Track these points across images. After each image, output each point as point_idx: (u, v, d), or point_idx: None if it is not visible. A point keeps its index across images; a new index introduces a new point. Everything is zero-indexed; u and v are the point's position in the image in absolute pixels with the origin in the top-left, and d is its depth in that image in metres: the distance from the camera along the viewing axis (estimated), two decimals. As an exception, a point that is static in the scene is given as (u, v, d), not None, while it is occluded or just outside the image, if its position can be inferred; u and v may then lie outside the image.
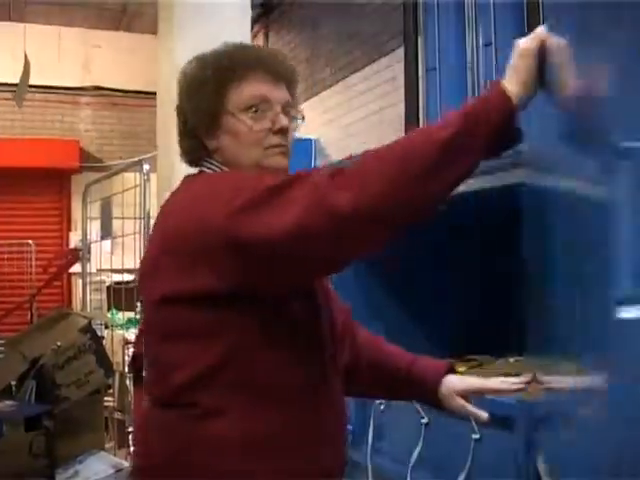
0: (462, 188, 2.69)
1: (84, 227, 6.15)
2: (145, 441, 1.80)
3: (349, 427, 3.11)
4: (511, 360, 3.13)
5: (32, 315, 8.68)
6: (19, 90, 5.14)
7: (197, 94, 1.78)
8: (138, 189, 4.35)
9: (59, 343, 4.25)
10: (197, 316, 1.64)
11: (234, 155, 1.79)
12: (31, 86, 7.26)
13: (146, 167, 3.97)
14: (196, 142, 1.81)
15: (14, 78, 6.73)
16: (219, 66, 1.77)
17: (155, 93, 5.80)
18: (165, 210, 1.78)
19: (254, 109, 1.78)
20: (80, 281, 10.05)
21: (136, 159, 4.31)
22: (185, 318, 1.65)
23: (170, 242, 1.68)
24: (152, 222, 3.20)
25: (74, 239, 9.16)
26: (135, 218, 4.65)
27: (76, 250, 5.68)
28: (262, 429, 1.64)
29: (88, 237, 6.17)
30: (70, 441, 4.30)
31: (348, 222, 1.50)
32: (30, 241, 9.61)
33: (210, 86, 1.76)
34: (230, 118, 1.77)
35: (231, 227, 1.55)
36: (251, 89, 1.78)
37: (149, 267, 1.76)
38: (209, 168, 1.81)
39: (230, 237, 1.55)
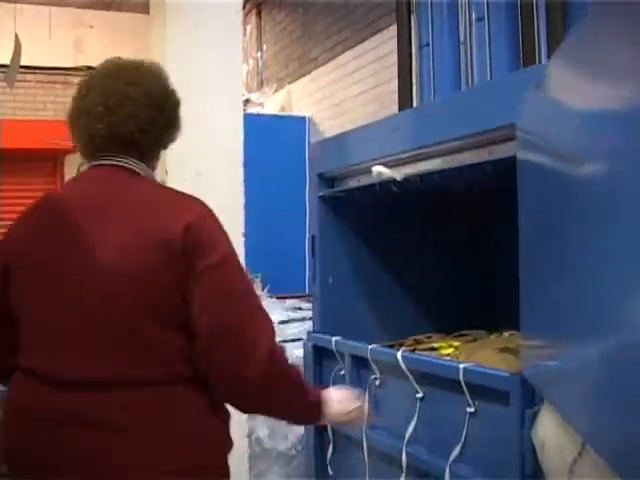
0: (455, 162, 2.73)
1: None
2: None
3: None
4: (505, 334, 3.14)
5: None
6: (10, 71, 5.09)
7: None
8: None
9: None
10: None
11: (153, 167, 2.17)
12: (22, 67, 7.22)
13: None
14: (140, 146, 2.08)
15: (5, 59, 6.71)
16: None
17: (147, 72, 5.79)
18: (148, 199, 2.02)
19: None
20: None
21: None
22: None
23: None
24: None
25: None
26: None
27: None
28: None
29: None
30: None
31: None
32: (23, 223, 9.58)
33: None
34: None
35: None
36: None
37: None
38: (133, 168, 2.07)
39: None
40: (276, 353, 1.94)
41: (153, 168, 2.18)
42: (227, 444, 2.05)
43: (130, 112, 2.02)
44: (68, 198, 2.08)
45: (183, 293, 1.88)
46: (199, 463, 1.93)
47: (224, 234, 2.02)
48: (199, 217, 1.98)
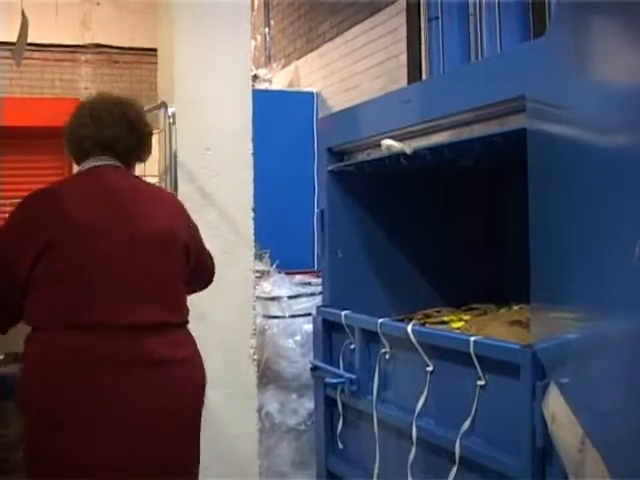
0: (465, 135, 2.71)
1: None
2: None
3: (354, 376, 3.14)
4: (515, 308, 3.13)
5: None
6: (17, 49, 5.06)
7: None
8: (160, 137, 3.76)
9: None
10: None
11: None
12: (29, 44, 7.18)
13: (171, 109, 3.54)
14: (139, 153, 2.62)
15: (12, 37, 6.67)
16: None
17: (155, 50, 5.77)
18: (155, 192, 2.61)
19: None
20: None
21: (156, 104, 3.73)
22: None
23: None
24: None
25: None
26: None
27: None
28: None
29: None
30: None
31: None
32: (32, 200, 9.58)
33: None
34: None
35: None
36: None
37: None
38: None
39: None
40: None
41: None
42: None
43: (110, 123, 2.51)
44: (98, 184, 2.48)
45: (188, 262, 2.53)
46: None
47: None
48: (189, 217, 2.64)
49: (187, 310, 2.53)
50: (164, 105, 3.48)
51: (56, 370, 2.30)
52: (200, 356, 2.49)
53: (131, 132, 2.55)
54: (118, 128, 2.53)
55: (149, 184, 2.65)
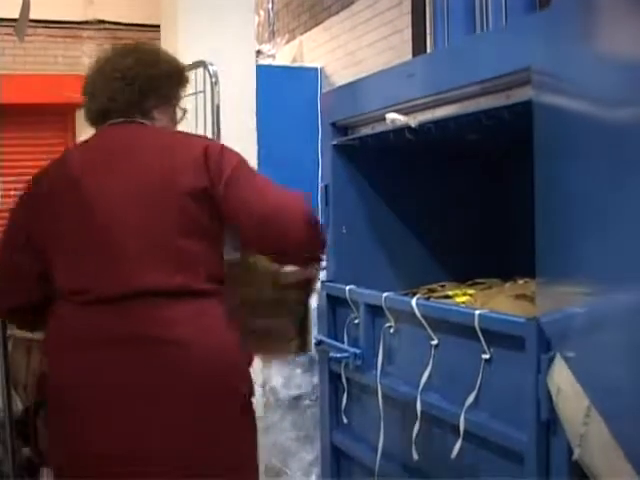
0: (470, 108, 2.69)
1: None
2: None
3: (358, 351, 3.14)
4: (520, 282, 3.13)
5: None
6: (19, 24, 5.04)
7: (173, 81, 2.46)
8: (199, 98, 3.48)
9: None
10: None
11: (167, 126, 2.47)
12: (32, 21, 7.14)
13: (213, 68, 3.28)
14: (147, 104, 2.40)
15: (14, 13, 6.63)
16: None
17: (159, 26, 5.74)
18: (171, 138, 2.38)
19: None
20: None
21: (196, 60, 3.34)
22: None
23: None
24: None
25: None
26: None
27: None
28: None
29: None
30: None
31: None
32: (37, 177, 9.58)
33: (181, 82, 2.50)
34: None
35: None
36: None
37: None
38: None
39: None
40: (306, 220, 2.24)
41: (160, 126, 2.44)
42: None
43: (100, 87, 2.39)
44: (100, 141, 2.40)
45: (212, 201, 2.20)
46: (235, 361, 2.23)
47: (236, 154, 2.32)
48: (211, 141, 2.43)
49: (210, 270, 2.22)
50: (203, 64, 3.32)
51: (52, 349, 2.27)
52: (213, 333, 2.20)
53: (125, 87, 2.36)
54: (106, 92, 2.37)
55: (164, 133, 2.40)
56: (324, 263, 3.84)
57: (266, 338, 2.49)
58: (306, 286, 2.45)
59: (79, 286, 2.20)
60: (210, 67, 3.28)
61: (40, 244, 2.29)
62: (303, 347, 2.54)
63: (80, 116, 10.57)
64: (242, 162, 2.29)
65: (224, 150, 2.28)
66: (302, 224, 2.22)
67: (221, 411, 2.19)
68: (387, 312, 2.97)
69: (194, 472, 2.15)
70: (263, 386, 4.08)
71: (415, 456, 2.80)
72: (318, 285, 3.63)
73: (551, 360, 2.15)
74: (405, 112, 2.97)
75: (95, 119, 2.44)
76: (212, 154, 2.23)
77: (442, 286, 3.36)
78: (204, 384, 2.16)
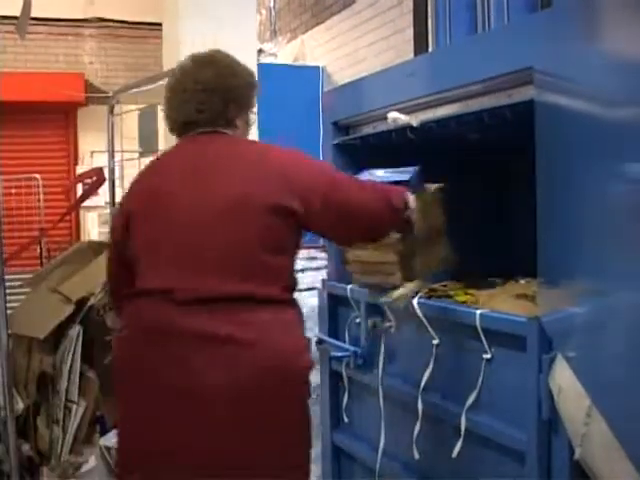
0: (472, 107, 2.69)
1: (111, 142, 5.27)
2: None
3: (359, 350, 3.14)
4: (522, 282, 3.13)
5: (42, 250, 8.67)
6: (21, 21, 5.04)
7: (251, 89, 2.65)
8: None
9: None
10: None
11: (243, 134, 2.64)
12: (34, 19, 7.13)
13: None
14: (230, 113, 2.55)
15: (15, 11, 6.61)
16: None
17: (160, 24, 5.74)
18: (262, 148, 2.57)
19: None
20: (90, 215, 10.09)
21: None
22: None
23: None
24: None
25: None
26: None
27: (101, 170, 5.04)
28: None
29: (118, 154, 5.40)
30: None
31: None
32: (37, 175, 9.58)
33: (255, 88, 2.68)
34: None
35: None
36: None
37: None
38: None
39: None
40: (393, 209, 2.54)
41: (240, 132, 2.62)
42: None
43: (186, 99, 2.51)
44: (188, 152, 2.52)
45: (295, 217, 2.37)
46: (301, 366, 2.39)
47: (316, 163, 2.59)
48: (290, 155, 2.50)
49: (277, 284, 2.38)
50: None
51: (122, 338, 2.44)
52: (279, 338, 2.33)
53: (210, 98, 2.51)
54: (192, 104, 2.50)
55: (247, 146, 2.58)
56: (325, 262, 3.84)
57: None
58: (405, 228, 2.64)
59: (166, 286, 2.33)
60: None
61: (132, 249, 2.48)
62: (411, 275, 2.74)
63: (81, 114, 10.66)
64: (324, 173, 2.53)
65: (305, 165, 2.48)
66: (388, 216, 2.54)
67: (282, 412, 2.32)
68: (388, 312, 2.97)
69: (255, 472, 2.27)
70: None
71: (416, 455, 2.80)
72: (319, 284, 3.63)
73: (552, 360, 2.15)
74: (407, 111, 2.97)
75: (181, 129, 2.57)
76: (293, 172, 2.41)
77: (443, 285, 3.36)
78: (270, 385, 2.27)
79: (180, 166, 2.48)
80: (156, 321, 2.32)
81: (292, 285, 2.47)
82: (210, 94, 2.50)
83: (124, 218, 2.52)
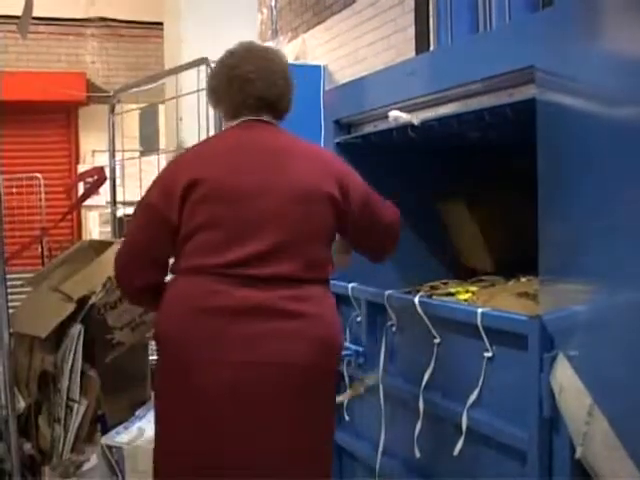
0: (474, 106, 2.69)
1: (112, 141, 5.15)
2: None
3: (360, 349, 3.14)
4: (523, 280, 3.13)
5: (43, 249, 8.67)
6: (22, 21, 5.04)
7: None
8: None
9: (109, 276, 3.50)
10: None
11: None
12: (35, 18, 7.15)
13: None
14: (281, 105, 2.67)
15: (17, 10, 6.60)
16: None
17: (162, 24, 5.73)
18: (290, 143, 2.64)
19: None
20: (91, 214, 10.09)
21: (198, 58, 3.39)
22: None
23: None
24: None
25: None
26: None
27: (102, 169, 5.02)
28: None
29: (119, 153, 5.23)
30: (117, 395, 3.93)
31: None
32: (38, 174, 9.58)
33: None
34: None
35: None
36: None
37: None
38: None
39: None
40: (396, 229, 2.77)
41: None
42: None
43: (273, 81, 2.58)
44: (245, 133, 2.59)
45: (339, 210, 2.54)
46: (337, 340, 2.58)
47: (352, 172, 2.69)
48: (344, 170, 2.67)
49: (326, 269, 2.56)
50: (206, 61, 3.33)
51: (178, 310, 2.46)
52: (330, 314, 2.54)
53: (289, 89, 2.66)
54: (282, 87, 2.62)
55: (299, 141, 2.66)
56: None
57: None
58: None
59: (219, 264, 2.42)
60: (213, 64, 3.26)
61: (183, 228, 2.47)
62: None
63: (82, 113, 10.66)
64: (364, 184, 2.68)
65: (350, 170, 2.69)
66: (397, 235, 2.78)
67: (323, 384, 2.52)
68: (389, 310, 2.97)
69: (295, 432, 2.44)
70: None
71: (417, 454, 2.80)
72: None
73: (554, 358, 2.15)
74: (408, 110, 2.97)
75: (250, 106, 2.59)
76: (347, 178, 2.60)
77: (445, 283, 3.36)
78: (321, 357, 2.46)
79: (244, 149, 2.54)
80: (217, 297, 2.40)
81: (330, 271, 2.61)
82: (285, 82, 2.63)
83: (183, 185, 2.47)
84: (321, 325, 2.48)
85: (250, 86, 2.56)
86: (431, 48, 4.78)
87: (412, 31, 5.12)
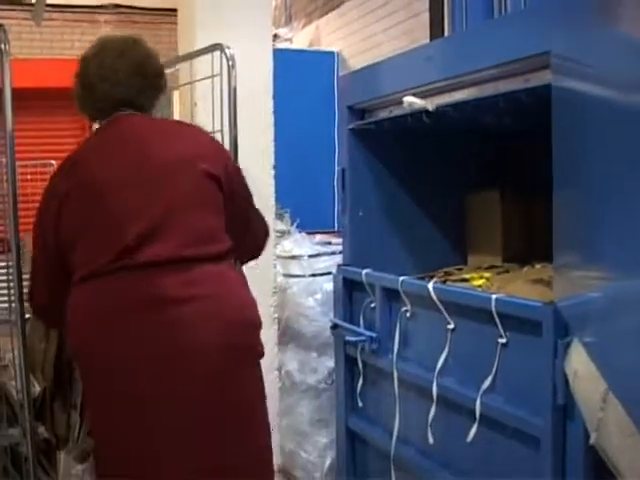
0: (489, 91, 2.68)
1: None
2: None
3: (374, 334, 3.14)
4: (537, 266, 3.12)
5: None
6: (36, 8, 5.06)
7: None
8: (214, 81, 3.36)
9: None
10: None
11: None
12: (49, 5, 7.15)
13: (230, 51, 3.25)
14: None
15: (32, -3, 6.64)
16: None
17: (175, 10, 5.73)
18: (186, 128, 2.72)
19: None
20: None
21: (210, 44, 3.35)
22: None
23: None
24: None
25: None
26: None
27: None
28: None
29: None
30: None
31: None
32: (53, 161, 9.60)
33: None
34: None
35: None
36: None
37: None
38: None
39: None
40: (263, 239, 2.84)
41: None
42: None
43: (119, 79, 2.56)
44: (118, 130, 2.56)
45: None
46: (245, 318, 2.46)
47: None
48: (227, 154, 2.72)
49: (222, 239, 2.47)
50: (220, 47, 3.33)
51: (82, 319, 2.39)
52: (236, 291, 2.47)
53: (143, 81, 2.60)
54: (130, 83, 2.58)
55: (173, 122, 2.76)
56: (340, 247, 3.84)
57: None
58: None
59: (107, 261, 2.34)
60: (227, 50, 3.26)
61: (67, 236, 2.45)
62: None
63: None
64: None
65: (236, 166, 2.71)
66: (262, 246, 2.85)
67: (243, 365, 2.41)
68: (404, 296, 2.97)
69: (218, 414, 2.36)
70: (279, 370, 4.09)
71: (430, 440, 2.80)
72: (334, 269, 3.63)
73: (568, 344, 2.14)
74: (423, 95, 2.96)
75: (105, 109, 2.61)
76: (233, 166, 2.65)
77: (459, 269, 3.36)
78: (228, 338, 2.37)
79: (115, 141, 2.54)
80: (123, 294, 2.33)
81: (228, 243, 2.51)
82: (136, 77, 2.60)
83: (58, 201, 2.49)
84: (223, 305, 2.38)
85: (95, 91, 2.60)
86: (446, 33, 4.76)
87: (426, 16, 5.09)
